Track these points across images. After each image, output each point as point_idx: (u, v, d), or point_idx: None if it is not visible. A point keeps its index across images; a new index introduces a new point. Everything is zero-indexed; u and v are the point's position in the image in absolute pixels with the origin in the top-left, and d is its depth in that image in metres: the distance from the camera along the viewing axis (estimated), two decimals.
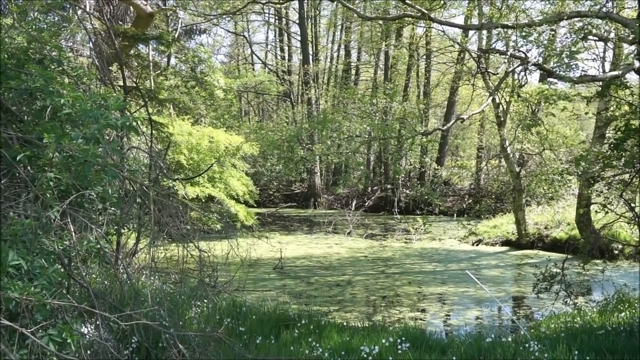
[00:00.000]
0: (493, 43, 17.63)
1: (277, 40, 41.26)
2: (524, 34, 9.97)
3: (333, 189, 34.40)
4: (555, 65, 10.01)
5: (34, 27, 6.00)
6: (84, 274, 5.18)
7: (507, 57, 11.26)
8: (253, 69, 42.29)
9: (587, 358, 6.07)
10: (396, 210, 28.29)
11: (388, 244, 19.61)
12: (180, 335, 5.23)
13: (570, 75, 9.49)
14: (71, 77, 5.91)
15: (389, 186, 29.95)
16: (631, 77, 10.97)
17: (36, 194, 4.40)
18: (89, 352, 4.54)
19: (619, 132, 8.74)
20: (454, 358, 6.28)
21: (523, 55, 10.62)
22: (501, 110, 19.09)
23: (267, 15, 39.47)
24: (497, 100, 18.68)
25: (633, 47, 10.26)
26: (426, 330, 7.83)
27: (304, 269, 14.87)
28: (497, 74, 15.30)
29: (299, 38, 35.38)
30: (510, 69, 11.98)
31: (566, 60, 9.84)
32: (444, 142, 31.82)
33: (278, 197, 33.06)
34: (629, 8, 12.50)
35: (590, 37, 10.38)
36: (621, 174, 9.63)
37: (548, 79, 11.75)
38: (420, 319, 10.32)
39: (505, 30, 11.81)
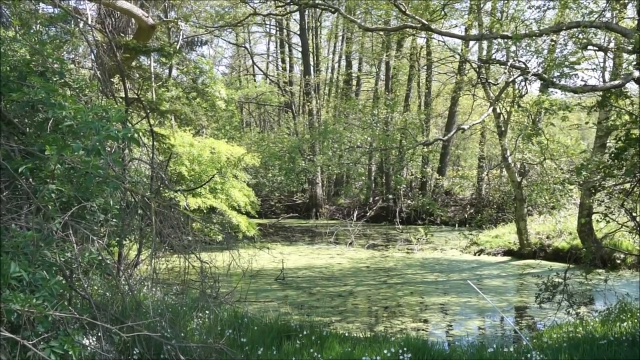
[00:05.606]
0: (493, 53, 17.68)
1: (279, 51, 41.32)
2: (518, 42, 10.01)
3: (335, 199, 34.39)
4: (555, 75, 10.04)
5: (36, 39, 6.04)
6: (85, 285, 5.18)
7: (507, 67, 11.30)
8: (254, 80, 42.39)
9: None
10: (398, 220, 28.27)
11: (390, 254, 19.58)
12: (181, 347, 5.23)
13: (570, 85, 9.52)
14: (73, 89, 5.94)
15: (390, 196, 29.91)
16: (631, 86, 10.98)
17: (38, 206, 4.42)
18: None
19: (620, 142, 8.75)
20: None
21: (523, 66, 10.66)
22: (502, 120, 19.12)
23: (268, 26, 39.61)
24: (498, 110, 18.72)
25: (633, 57, 10.30)
26: (428, 341, 7.80)
27: (305, 280, 14.85)
28: (498, 84, 15.34)
29: (300, 49, 35.49)
30: (511, 79, 12.02)
31: (566, 71, 9.88)
32: (445, 152, 31.81)
33: (279, 207, 33.00)
34: (628, 18, 12.54)
35: (590, 46, 10.42)
36: (622, 183, 9.63)
37: (546, 89, 11.80)
38: (422, 330, 10.30)
39: (505, 40, 11.86)
